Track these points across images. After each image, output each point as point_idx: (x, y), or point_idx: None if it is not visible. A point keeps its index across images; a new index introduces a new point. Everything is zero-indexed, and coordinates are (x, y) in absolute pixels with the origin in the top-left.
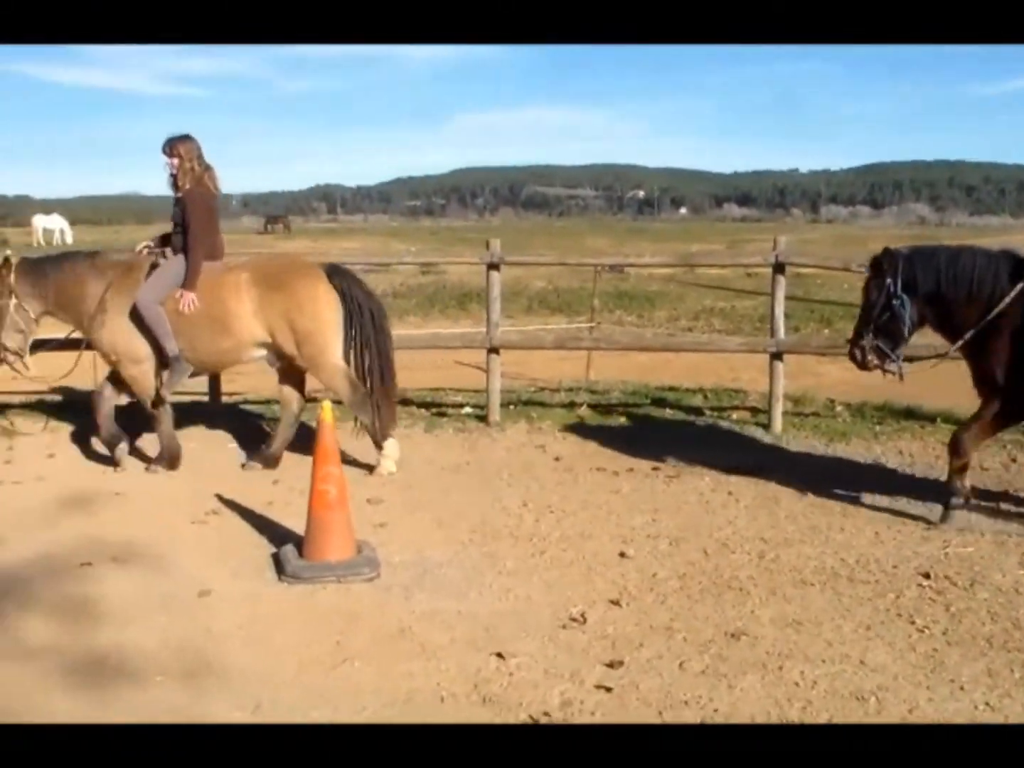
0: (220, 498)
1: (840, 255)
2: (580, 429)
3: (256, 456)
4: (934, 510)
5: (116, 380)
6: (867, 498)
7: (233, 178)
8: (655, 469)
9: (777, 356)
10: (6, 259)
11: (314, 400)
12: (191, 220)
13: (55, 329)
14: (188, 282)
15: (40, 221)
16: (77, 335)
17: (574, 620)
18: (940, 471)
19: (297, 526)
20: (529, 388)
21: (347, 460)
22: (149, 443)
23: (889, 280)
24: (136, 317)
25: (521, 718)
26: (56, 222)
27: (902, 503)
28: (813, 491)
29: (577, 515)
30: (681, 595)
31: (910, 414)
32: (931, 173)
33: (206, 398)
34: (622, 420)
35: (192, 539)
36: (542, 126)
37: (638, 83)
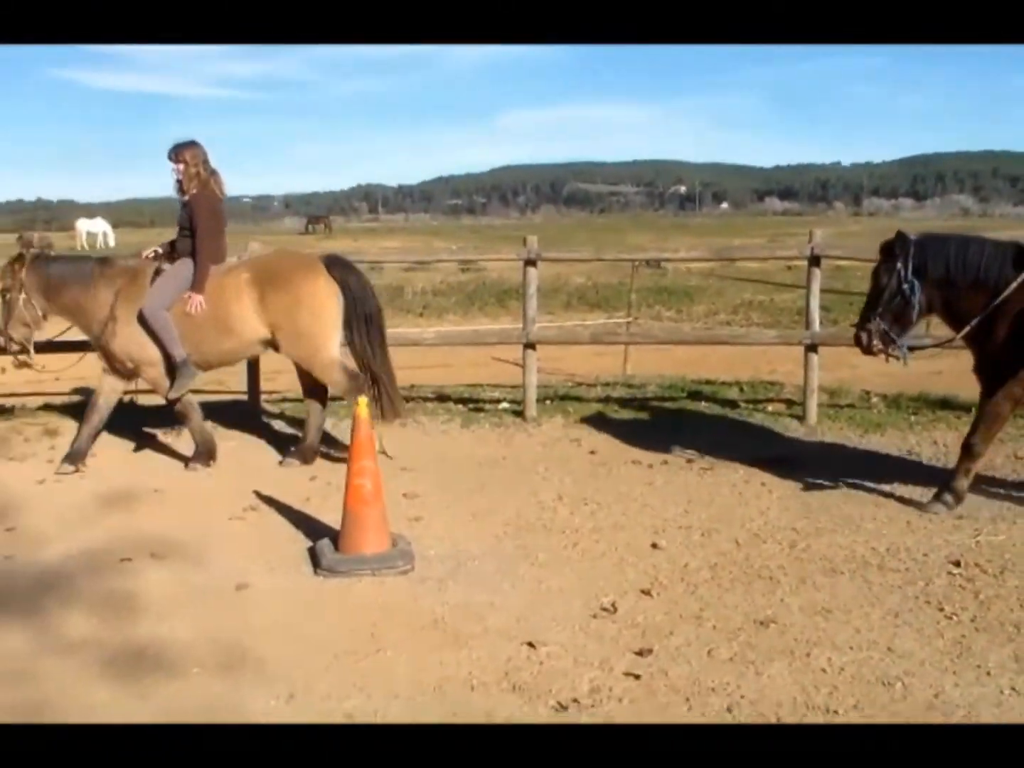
0: (258, 494)
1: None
2: (616, 423)
3: (293, 453)
4: (968, 500)
5: (109, 390)
6: (900, 488)
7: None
8: (689, 462)
9: (812, 348)
10: (20, 255)
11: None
12: (198, 223)
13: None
14: (196, 285)
15: (84, 225)
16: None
17: (605, 610)
18: None
19: (334, 521)
20: (566, 383)
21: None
22: (186, 442)
23: (900, 265)
24: (143, 323)
25: (550, 705)
26: (99, 225)
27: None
28: (846, 482)
29: (611, 507)
30: (712, 584)
31: (945, 404)
32: (975, 164)
33: (245, 396)
34: (658, 414)
35: (230, 534)
36: (583, 123)
37: (679, 79)
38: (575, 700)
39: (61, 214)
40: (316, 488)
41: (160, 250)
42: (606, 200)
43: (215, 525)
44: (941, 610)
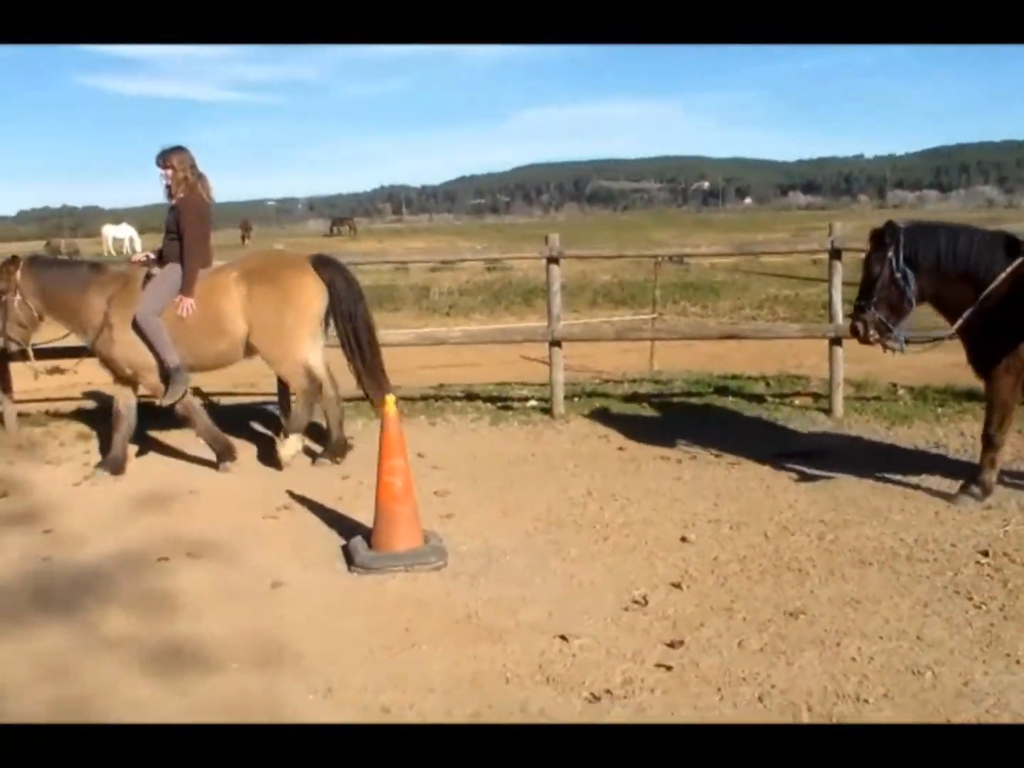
0: (291, 494)
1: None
2: (643, 419)
3: (324, 452)
4: (997, 490)
5: (124, 393)
6: (928, 480)
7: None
8: (717, 456)
9: (836, 341)
10: (14, 257)
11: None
12: (185, 227)
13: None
14: (186, 288)
15: (110, 231)
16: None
17: (636, 603)
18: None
19: (366, 519)
20: (593, 380)
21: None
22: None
23: (891, 254)
24: (137, 329)
25: (583, 696)
26: (125, 231)
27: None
28: (874, 474)
29: (640, 502)
30: (741, 577)
31: (972, 396)
32: (999, 154)
33: (275, 398)
34: (685, 409)
35: (264, 533)
36: (605, 120)
37: (700, 75)
38: (608, 691)
39: (87, 220)
40: (348, 487)
41: (151, 255)
42: (629, 197)
43: (249, 524)
44: (970, 599)
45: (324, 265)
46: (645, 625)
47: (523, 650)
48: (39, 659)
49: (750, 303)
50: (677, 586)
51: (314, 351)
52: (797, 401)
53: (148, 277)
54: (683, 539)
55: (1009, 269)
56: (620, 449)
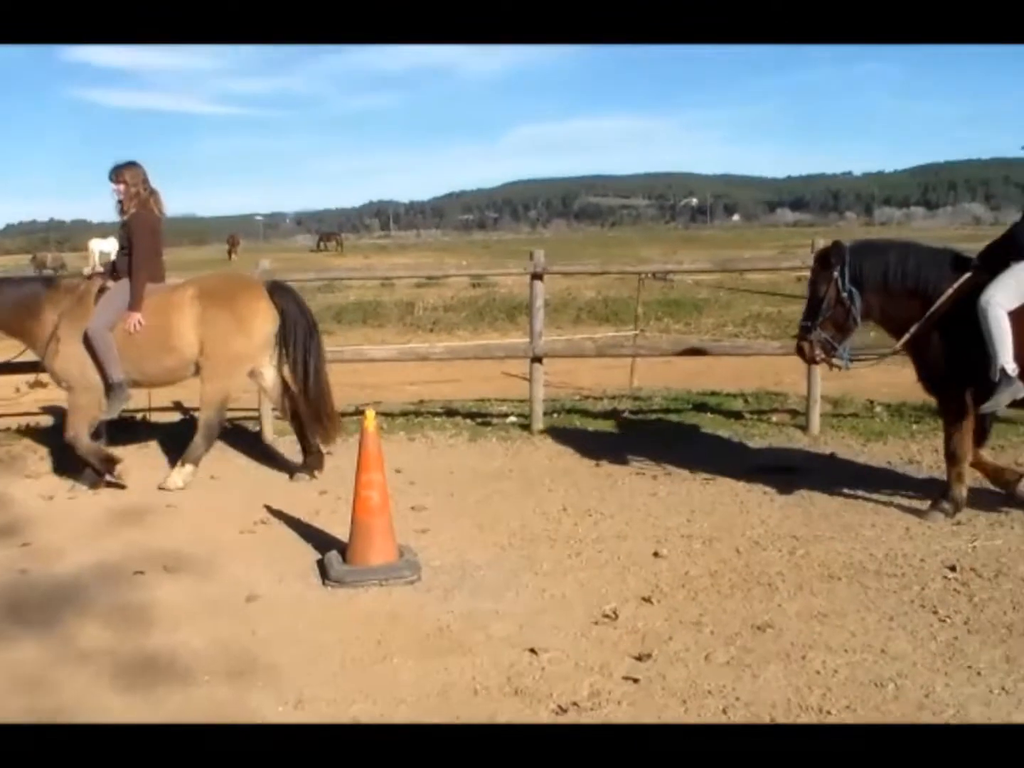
0: (268, 509)
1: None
2: (621, 435)
3: (302, 467)
4: (967, 506)
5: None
6: (900, 496)
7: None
8: (693, 472)
9: None
10: None
11: (360, 412)
12: (135, 242)
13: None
14: (134, 302)
15: (96, 245)
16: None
17: (606, 617)
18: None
19: (342, 534)
20: (573, 397)
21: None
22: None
23: (837, 273)
24: (87, 344)
25: (551, 708)
26: (112, 245)
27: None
28: (847, 490)
29: (614, 518)
30: (711, 591)
31: None
32: (986, 171)
33: (256, 414)
34: (663, 425)
35: (240, 547)
36: (593, 136)
37: (689, 92)
38: (575, 703)
39: (75, 234)
40: (325, 502)
41: (103, 269)
42: (617, 213)
43: (226, 539)
44: (935, 613)
45: (279, 292)
46: (614, 638)
47: (493, 663)
48: (14, 670)
49: (733, 320)
50: (647, 600)
51: (267, 370)
52: (775, 418)
53: (101, 291)
54: (656, 554)
55: (956, 285)
56: (596, 465)
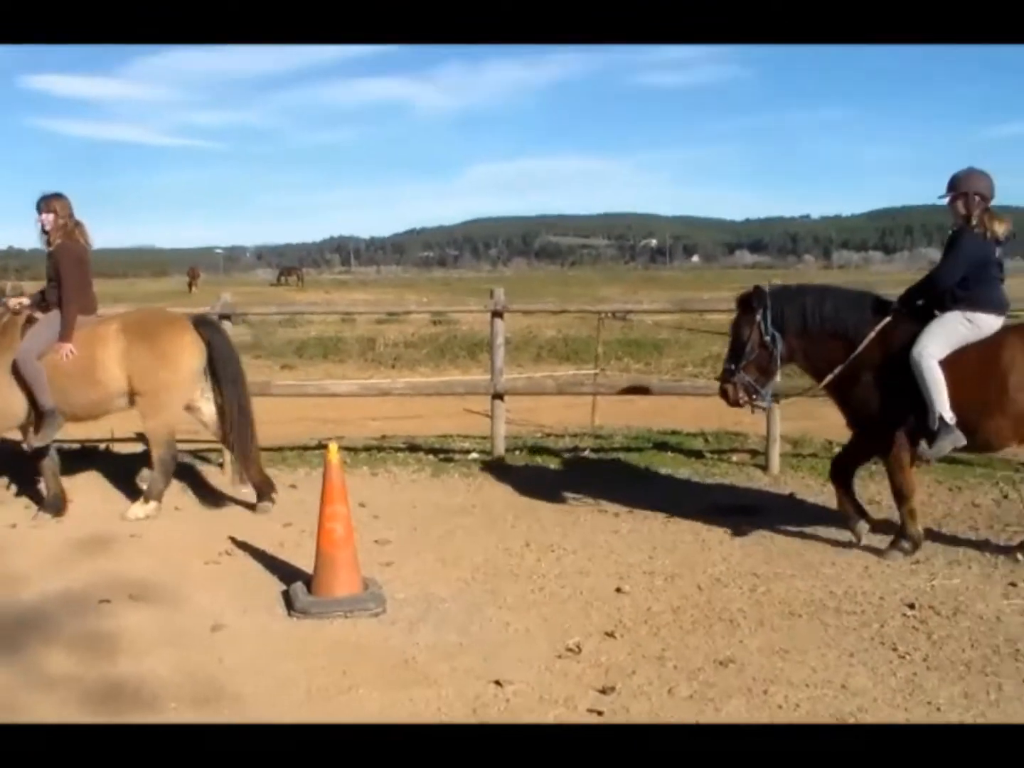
0: (233, 540)
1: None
2: (583, 473)
3: (262, 496)
4: (925, 545)
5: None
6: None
7: (248, 230)
8: (654, 510)
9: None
10: None
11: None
12: (64, 273)
13: None
14: (64, 333)
15: None
16: None
17: (570, 651)
18: (932, 507)
19: (307, 565)
20: (535, 434)
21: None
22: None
23: (759, 317)
24: (15, 372)
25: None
26: None
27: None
28: (807, 528)
29: (577, 554)
30: (674, 627)
31: None
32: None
33: (219, 446)
34: (625, 463)
35: (206, 578)
36: (554, 176)
37: (652, 133)
38: None
39: (34, 262)
40: (289, 534)
41: (28, 300)
42: (577, 253)
43: (191, 569)
44: (895, 650)
45: (204, 326)
46: (578, 672)
47: (458, 694)
48: None
49: (693, 360)
50: (611, 635)
51: (202, 404)
52: (735, 457)
53: (30, 321)
54: (618, 590)
55: (878, 328)
56: (559, 502)
